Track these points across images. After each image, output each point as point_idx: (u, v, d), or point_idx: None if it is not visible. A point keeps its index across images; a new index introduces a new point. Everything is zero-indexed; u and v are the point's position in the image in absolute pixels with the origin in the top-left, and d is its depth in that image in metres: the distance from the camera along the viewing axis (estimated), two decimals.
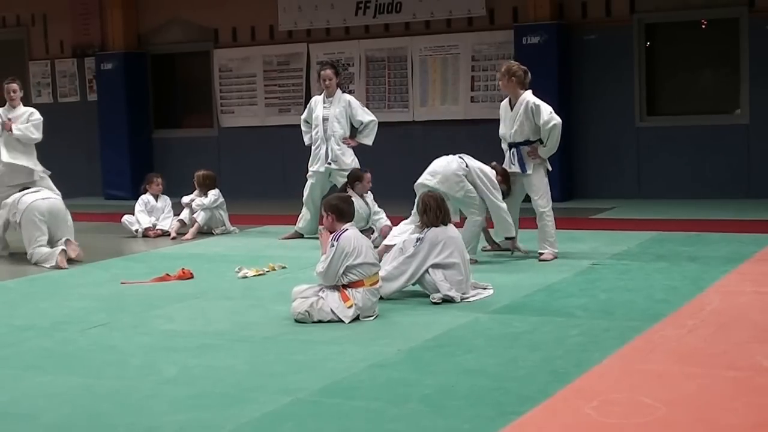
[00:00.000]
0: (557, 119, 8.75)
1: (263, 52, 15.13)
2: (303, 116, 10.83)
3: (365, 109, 10.80)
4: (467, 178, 8.64)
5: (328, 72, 10.53)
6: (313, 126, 10.61)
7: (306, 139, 10.76)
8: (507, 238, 8.95)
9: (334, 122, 10.46)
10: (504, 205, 8.77)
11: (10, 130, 10.37)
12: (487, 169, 8.81)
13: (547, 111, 8.73)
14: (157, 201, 11.55)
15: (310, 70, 14.78)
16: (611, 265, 8.41)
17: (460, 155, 8.85)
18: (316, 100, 10.67)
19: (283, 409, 4.77)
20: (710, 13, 12.87)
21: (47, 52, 16.70)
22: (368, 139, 10.59)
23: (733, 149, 12.69)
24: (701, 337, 5.89)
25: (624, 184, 13.22)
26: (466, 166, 8.69)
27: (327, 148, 10.48)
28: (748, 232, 9.98)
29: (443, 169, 8.50)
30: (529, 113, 8.75)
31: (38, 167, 10.61)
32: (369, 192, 10.18)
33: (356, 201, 9.75)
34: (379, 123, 14.17)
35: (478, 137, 12.92)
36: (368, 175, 10.17)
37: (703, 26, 13.12)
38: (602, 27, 13.18)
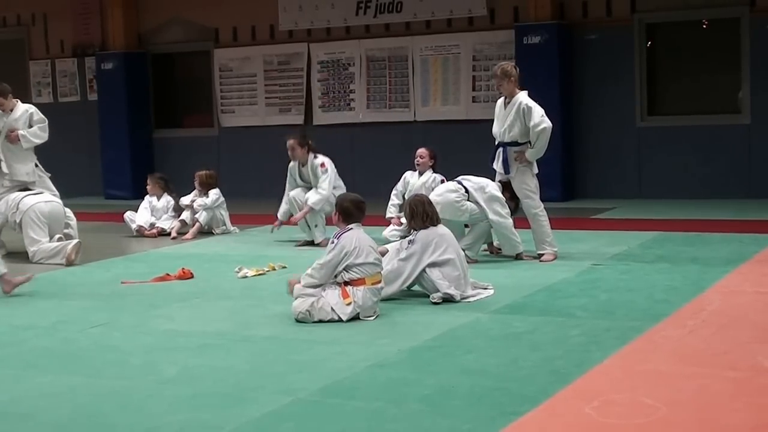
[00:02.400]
0: (547, 123, 8.69)
1: (264, 52, 15.13)
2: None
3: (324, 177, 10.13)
4: (470, 200, 8.66)
5: (290, 142, 10.16)
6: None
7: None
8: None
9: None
10: (510, 221, 8.75)
11: (18, 140, 10.32)
12: (491, 186, 8.77)
13: (538, 114, 8.67)
14: (158, 201, 11.55)
15: (310, 70, 14.79)
16: (612, 265, 8.40)
17: (458, 179, 8.85)
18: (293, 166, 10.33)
19: (283, 409, 4.77)
20: (711, 13, 12.86)
21: (47, 51, 16.70)
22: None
23: (733, 149, 12.68)
24: (702, 338, 5.88)
25: (624, 184, 13.22)
26: (465, 190, 8.70)
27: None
28: (748, 232, 9.97)
29: (443, 199, 8.45)
30: (520, 114, 8.72)
31: (36, 169, 10.57)
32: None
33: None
34: (381, 123, 14.33)
35: (479, 137, 12.90)
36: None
37: (704, 26, 13.11)
38: (603, 27, 13.18)
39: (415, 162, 10.21)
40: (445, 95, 14.04)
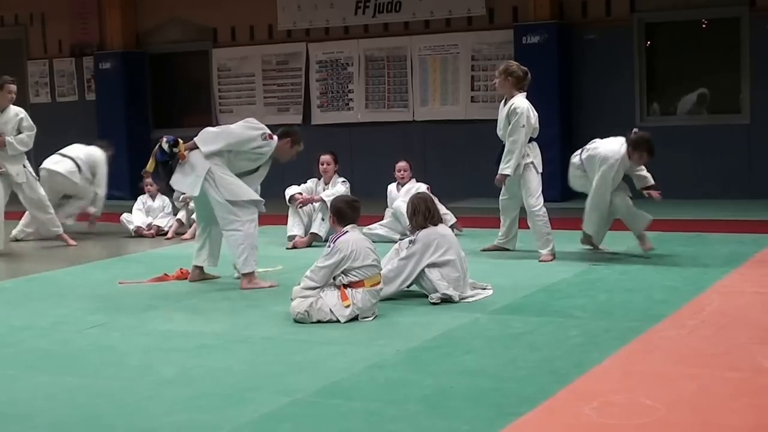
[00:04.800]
0: (519, 135, 8.62)
1: (262, 52, 15.12)
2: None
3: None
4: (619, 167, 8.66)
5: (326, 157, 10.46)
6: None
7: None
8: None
9: None
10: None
11: (4, 145, 10.22)
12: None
13: (519, 123, 8.62)
14: (154, 201, 11.54)
15: (309, 69, 14.78)
16: (611, 265, 8.39)
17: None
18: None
19: (281, 410, 4.75)
20: (711, 13, 12.85)
21: (45, 51, 16.69)
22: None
23: (733, 149, 12.67)
24: (701, 338, 5.87)
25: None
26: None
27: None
28: (748, 232, 9.96)
29: (603, 147, 8.71)
30: (510, 115, 8.71)
31: (25, 170, 10.51)
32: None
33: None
34: (379, 123, 14.32)
35: (478, 137, 12.91)
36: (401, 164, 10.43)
37: (704, 26, 13.11)
38: (602, 26, 13.17)
39: (399, 176, 10.29)
40: (443, 95, 14.03)
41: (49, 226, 10.54)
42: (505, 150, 8.71)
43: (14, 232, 10.90)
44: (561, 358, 5.47)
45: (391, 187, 10.41)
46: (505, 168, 8.72)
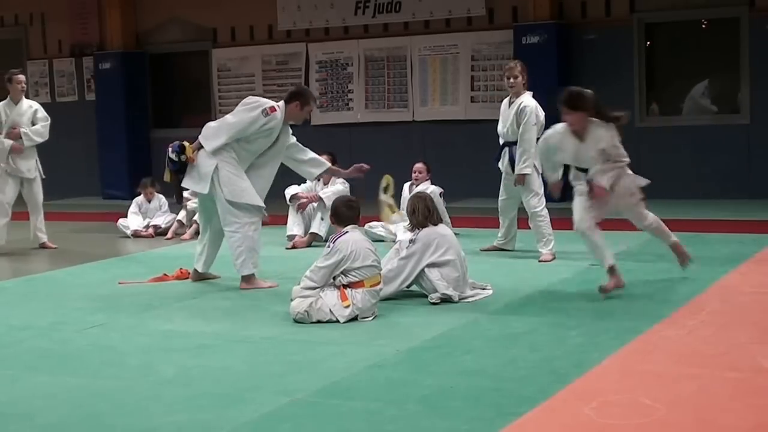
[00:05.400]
0: (531, 133, 8.64)
1: (262, 52, 15.12)
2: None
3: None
4: None
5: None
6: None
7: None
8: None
9: None
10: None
11: (20, 137, 10.25)
12: None
13: (531, 122, 8.65)
14: (150, 202, 11.53)
15: (308, 69, 14.77)
16: None
17: None
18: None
19: (281, 410, 4.75)
20: (711, 13, 12.85)
21: (45, 51, 16.68)
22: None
23: (733, 149, 12.66)
24: (701, 338, 5.87)
25: None
26: None
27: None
28: (748, 232, 9.96)
29: None
30: (519, 114, 8.73)
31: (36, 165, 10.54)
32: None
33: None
34: (379, 123, 14.32)
35: (478, 137, 12.91)
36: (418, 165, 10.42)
37: (704, 26, 13.11)
38: (602, 26, 13.16)
39: (415, 177, 10.31)
40: (443, 95, 14.03)
41: (36, 231, 10.49)
42: (520, 150, 8.73)
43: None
44: (561, 358, 5.47)
45: (406, 186, 10.41)
46: (524, 168, 8.74)
